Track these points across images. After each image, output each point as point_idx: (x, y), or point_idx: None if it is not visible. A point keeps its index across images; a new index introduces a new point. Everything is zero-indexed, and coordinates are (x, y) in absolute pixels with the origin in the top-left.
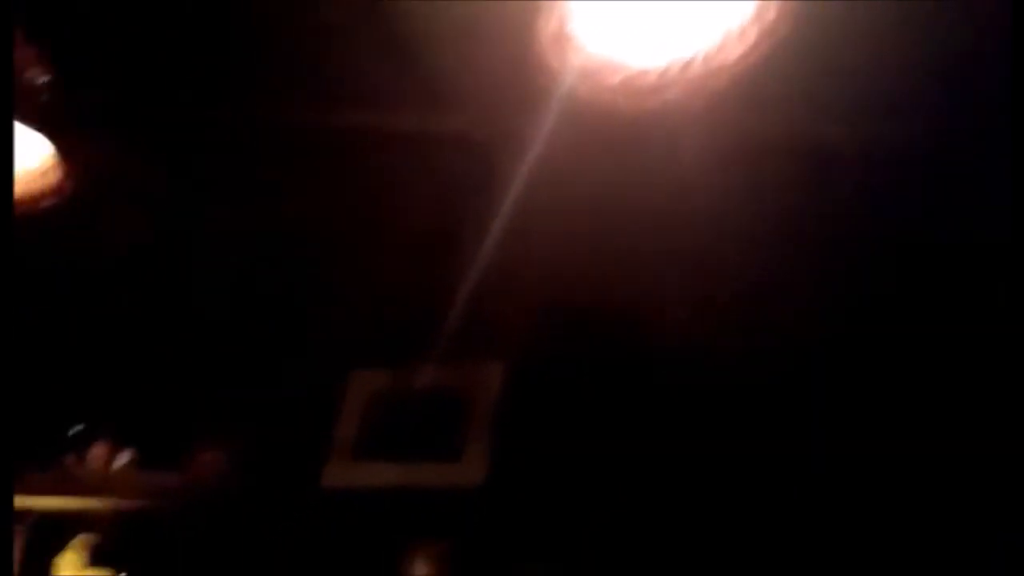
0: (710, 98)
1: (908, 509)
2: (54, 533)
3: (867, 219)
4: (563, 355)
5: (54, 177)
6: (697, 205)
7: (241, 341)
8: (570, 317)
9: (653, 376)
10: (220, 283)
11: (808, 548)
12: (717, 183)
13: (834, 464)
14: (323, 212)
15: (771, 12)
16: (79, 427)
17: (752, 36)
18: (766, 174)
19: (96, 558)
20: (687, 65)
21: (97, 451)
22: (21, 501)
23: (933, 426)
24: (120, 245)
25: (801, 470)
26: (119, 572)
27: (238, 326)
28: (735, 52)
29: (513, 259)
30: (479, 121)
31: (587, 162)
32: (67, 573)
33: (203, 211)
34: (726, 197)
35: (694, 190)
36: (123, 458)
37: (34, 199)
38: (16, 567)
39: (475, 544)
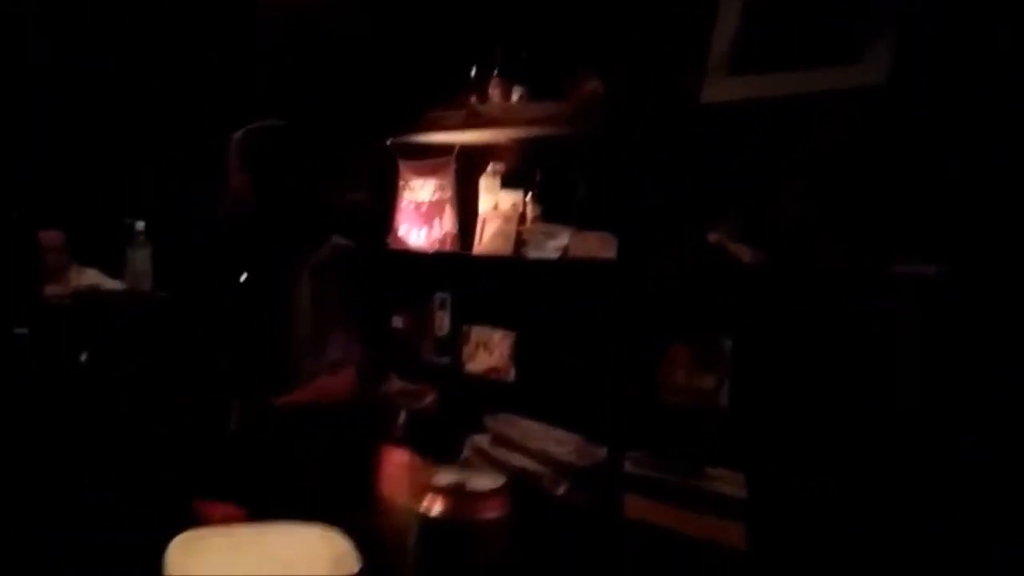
0: None
1: None
2: (472, 162)
3: None
4: None
5: None
6: None
7: None
8: None
9: None
10: None
11: None
12: None
13: None
14: None
15: None
16: (477, 69)
17: None
18: None
19: (506, 182)
20: None
21: (494, 89)
22: (443, 137)
23: None
24: None
25: None
26: (526, 193)
27: None
28: None
29: None
30: None
31: None
32: (486, 194)
33: None
34: None
35: None
36: (516, 93)
37: None
38: (453, 191)
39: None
